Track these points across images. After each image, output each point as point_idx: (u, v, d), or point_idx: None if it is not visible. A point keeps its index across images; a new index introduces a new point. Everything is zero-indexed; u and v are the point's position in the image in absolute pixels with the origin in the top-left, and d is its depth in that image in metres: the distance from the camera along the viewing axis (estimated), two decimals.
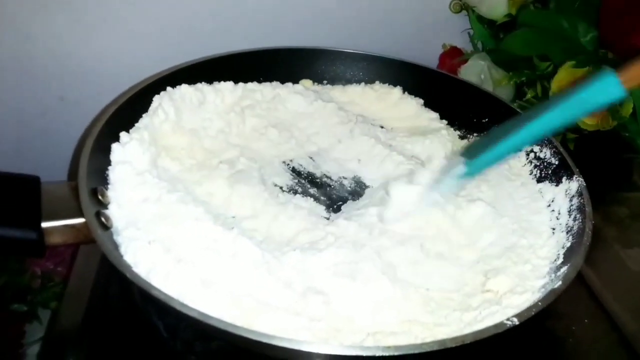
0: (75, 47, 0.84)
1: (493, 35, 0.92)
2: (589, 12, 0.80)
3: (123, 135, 0.62)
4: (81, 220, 0.50)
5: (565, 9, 0.82)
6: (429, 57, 0.98)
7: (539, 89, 0.82)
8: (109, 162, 0.59)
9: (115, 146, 0.60)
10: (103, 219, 0.52)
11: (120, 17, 0.84)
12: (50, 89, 0.87)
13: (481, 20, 0.92)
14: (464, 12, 0.95)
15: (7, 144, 0.90)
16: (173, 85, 0.72)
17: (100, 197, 0.54)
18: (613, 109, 0.75)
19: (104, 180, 0.57)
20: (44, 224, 0.50)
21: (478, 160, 0.53)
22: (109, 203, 0.55)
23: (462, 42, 0.99)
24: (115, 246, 0.51)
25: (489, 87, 0.86)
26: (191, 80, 0.74)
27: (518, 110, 0.75)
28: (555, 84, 0.80)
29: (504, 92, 0.87)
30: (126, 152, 0.60)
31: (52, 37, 0.83)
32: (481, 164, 0.54)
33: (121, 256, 0.49)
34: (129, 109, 0.66)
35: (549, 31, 0.81)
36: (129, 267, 0.48)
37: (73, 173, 0.70)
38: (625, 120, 0.77)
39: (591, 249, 0.70)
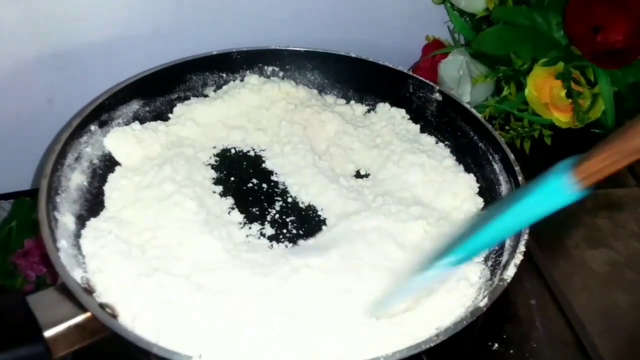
0: None
1: (474, 28, 0.91)
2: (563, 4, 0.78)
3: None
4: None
5: (540, 3, 0.81)
6: (413, 49, 0.98)
7: (513, 86, 0.82)
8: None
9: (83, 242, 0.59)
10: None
11: None
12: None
13: (462, 12, 0.91)
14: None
15: None
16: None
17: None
18: (578, 111, 0.75)
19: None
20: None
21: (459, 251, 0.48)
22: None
23: (447, 34, 0.98)
24: None
25: (467, 83, 0.86)
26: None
27: (477, 115, 0.74)
28: (531, 80, 0.80)
29: (484, 88, 0.87)
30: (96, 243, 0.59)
31: None
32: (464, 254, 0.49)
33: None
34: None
35: (522, 28, 0.80)
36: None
37: None
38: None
39: (555, 250, 0.71)
